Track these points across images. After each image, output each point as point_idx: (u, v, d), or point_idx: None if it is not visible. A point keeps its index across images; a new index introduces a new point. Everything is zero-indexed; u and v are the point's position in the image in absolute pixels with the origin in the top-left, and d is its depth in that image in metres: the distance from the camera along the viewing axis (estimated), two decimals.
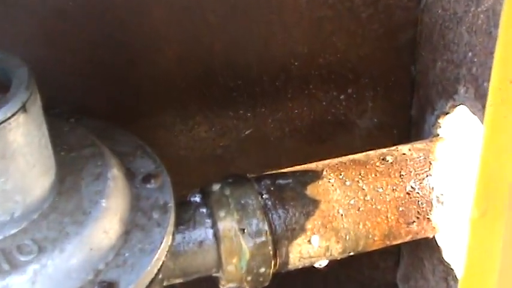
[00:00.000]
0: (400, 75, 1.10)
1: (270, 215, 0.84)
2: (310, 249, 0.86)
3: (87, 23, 0.90)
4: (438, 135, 1.01)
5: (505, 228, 0.64)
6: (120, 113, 0.97)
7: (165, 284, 0.80)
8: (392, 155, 0.92)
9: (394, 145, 0.95)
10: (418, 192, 0.89)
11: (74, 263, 0.66)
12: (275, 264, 0.85)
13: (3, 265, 0.64)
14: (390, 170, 0.90)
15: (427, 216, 0.90)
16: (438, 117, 1.01)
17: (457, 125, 0.98)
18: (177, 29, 0.95)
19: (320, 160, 0.92)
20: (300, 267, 0.89)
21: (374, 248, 0.90)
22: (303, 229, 0.85)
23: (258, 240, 0.82)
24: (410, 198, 0.89)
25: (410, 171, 0.90)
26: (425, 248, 1.10)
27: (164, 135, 1.03)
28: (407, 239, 0.92)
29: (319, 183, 0.87)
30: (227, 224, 0.82)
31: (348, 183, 0.88)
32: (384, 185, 0.88)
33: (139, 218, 0.74)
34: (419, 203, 0.89)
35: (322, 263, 0.89)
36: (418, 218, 0.89)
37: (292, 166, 0.91)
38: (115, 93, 0.98)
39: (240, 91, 1.03)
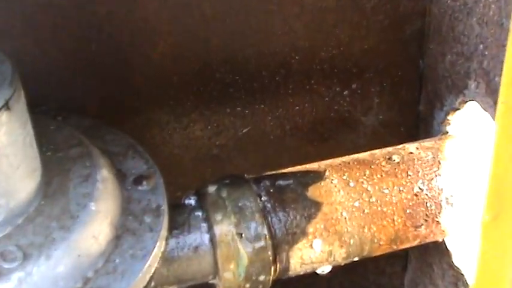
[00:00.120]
0: (407, 69, 1.10)
1: (270, 218, 0.84)
2: (312, 254, 0.86)
3: (75, 15, 0.90)
4: (447, 132, 1.01)
5: None
6: (110, 111, 0.97)
7: None
8: (399, 154, 0.91)
9: (400, 143, 0.94)
10: (426, 194, 0.89)
11: (61, 270, 0.66)
12: (275, 271, 0.85)
13: None
14: (397, 170, 0.90)
15: (436, 219, 0.90)
16: (447, 113, 1.00)
17: (467, 122, 0.98)
18: (171, 21, 0.95)
19: (322, 160, 0.92)
20: (302, 273, 0.88)
21: (380, 252, 0.90)
22: (304, 233, 0.84)
23: (257, 245, 0.82)
24: (418, 199, 0.89)
25: (418, 171, 0.90)
26: (434, 252, 1.10)
27: (157, 134, 1.03)
28: (415, 243, 0.91)
29: (322, 184, 0.87)
30: (224, 227, 0.81)
31: (351, 184, 0.87)
32: (390, 186, 0.88)
33: (131, 222, 0.74)
34: (428, 204, 0.89)
35: (324, 269, 0.89)
36: (426, 220, 0.89)
37: (292, 166, 0.91)
38: (105, 90, 0.97)
39: (237, 87, 1.02)
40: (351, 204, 0.86)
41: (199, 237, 0.81)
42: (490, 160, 0.61)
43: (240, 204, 0.83)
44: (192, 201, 0.85)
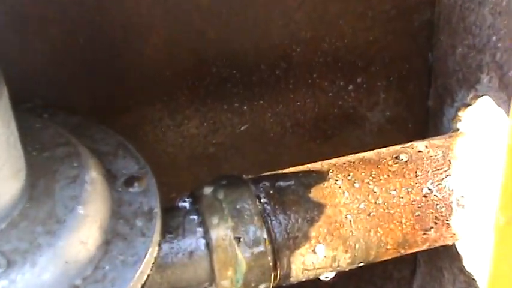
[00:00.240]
0: (416, 62, 1.10)
1: (269, 222, 0.83)
2: (315, 259, 0.85)
3: (63, 8, 0.90)
4: (458, 129, 1.01)
5: None
6: (100, 108, 0.97)
7: None
8: (406, 153, 0.91)
9: (409, 141, 0.94)
10: (436, 195, 0.89)
11: (47, 278, 0.65)
12: (275, 277, 0.84)
13: None
14: (405, 169, 0.89)
15: (447, 222, 0.89)
16: (458, 109, 1.00)
17: (479, 119, 0.97)
18: (164, 13, 0.94)
19: (325, 159, 0.92)
20: (304, 280, 0.88)
21: (386, 257, 0.90)
22: (306, 237, 0.84)
23: (256, 250, 0.82)
24: (428, 201, 0.89)
25: (428, 171, 0.90)
26: (445, 257, 1.10)
27: (150, 132, 1.03)
28: (424, 247, 0.91)
29: (325, 185, 0.87)
30: (221, 232, 0.81)
31: (356, 185, 0.87)
32: (397, 187, 0.88)
33: (121, 226, 0.73)
34: (438, 206, 0.89)
35: (328, 275, 0.89)
36: (436, 223, 0.89)
37: (294, 166, 0.91)
38: (94, 85, 0.97)
39: (235, 82, 1.02)
40: (356, 206, 0.86)
41: (194, 242, 0.81)
42: (504, 159, 0.61)
43: (237, 207, 0.82)
44: (186, 203, 0.84)
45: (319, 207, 0.85)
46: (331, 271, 0.88)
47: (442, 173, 0.90)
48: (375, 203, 0.87)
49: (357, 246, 0.86)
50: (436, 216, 0.89)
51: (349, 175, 0.88)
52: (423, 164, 0.90)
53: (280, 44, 1.01)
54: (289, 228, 0.84)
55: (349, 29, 1.03)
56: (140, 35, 0.95)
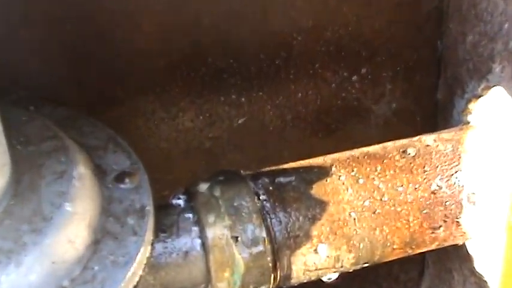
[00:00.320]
0: (424, 52, 1.10)
1: (269, 220, 0.83)
2: (317, 260, 0.85)
3: None
4: (469, 122, 1.01)
5: None
6: (89, 99, 0.97)
7: None
8: (414, 147, 0.91)
9: (416, 135, 0.94)
10: (445, 191, 0.89)
11: (33, 279, 0.65)
12: (275, 279, 0.84)
13: None
14: (412, 164, 0.89)
15: (456, 220, 0.90)
16: (469, 101, 1.00)
17: (491, 111, 0.97)
18: None
19: (328, 154, 0.91)
20: (305, 281, 0.88)
21: (393, 257, 0.90)
22: (308, 236, 0.84)
23: (255, 249, 0.81)
24: (436, 198, 0.89)
25: (436, 166, 0.90)
26: (454, 257, 1.10)
27: (142, 125, 1.03)
28: (433, 246, 0.91)
29: (327, 181, 0.87)
30: (217, 230, 0.81)
31: (361, 181, 0.87)
32: (404, 183, 0.88)
33: (112, 224, 0.73)
34: (447, 204, 0.89)
35: (331, 277, 0.89)
36: (445, 221, 0.89)
37: (294, 161, 0.90)
38: (83, 76, 0.97)
39: (232, 72, 1.02)
40: (360, 203, 0.86)
41: (189, 241, 0.81)
42: None
43: (235, 204, 0.82)
44: (181, 201, 0.84)
45: (322, 205, 0.85)
46: (334, 272, 0.88)
47: (451, 168, 0.90)
48: (381, 200, 0.87)
49: (361, 245, 0.86)
50: (445, 214, 0.89)
51: (353, 170, 0.88)
52: (432, 158, 0.90)
53: (280, 32, 1.01)
54: (289, 227, 0.84)
55: (353, 17, 1.03)
56: (131, 21, 0.95)
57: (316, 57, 1.04)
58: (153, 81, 1.00)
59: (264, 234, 0.82)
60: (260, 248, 0.82)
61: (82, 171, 0.74)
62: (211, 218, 0.81)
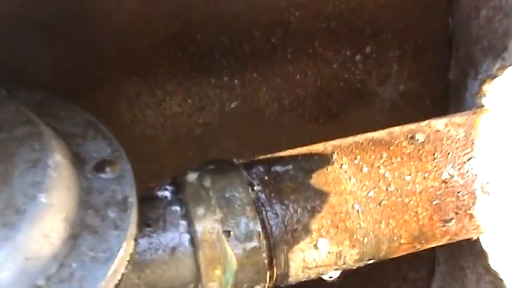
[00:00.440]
0: (434, 29, 1.10)
1: (264, 212, 0.83)
2: (317, 256, 0.85)
3: None
4: (483, 105, 1.01)
5: None
6: (66, 81, 0.96)
7: None
8: (423, 132, 0.91)
9: (425, 119, 0.94)
10: (457, 180, 0.89)
11: (4, 276, 0.65)
12: (271, 277, 0.84)
13: None
14: (421, 151, 0.90)
15: (469, 212, 0.90)
16: (483, 82, 1.00)
17: (507, 92, 0.97)
18: None
19: (329, 140, 0.91)
20: (304, 280, 0.88)
21: (400, 253, 0.90)
22: (307, 230, 0.84)
23: (249, 245, 0.82)
24: (447, 188, 0.89)
25: (447, 153, 0.90)
26: (468, 253, 1.11)
27: (125, 110, 1.03)
28: (444, 241, 0.91)
29: (328, 169, 0.87)
30: (207, 224, 0.81)
31: (365, 169, 0.87)
32: (412, 172, 0.88)
33: (91, 217, 0.73)
34: (459, 194, 0.89)
35: (332, 275, 0.89)
36: (457, 213, 0.89)
37: (292, 148, 0.90)
38: (59, 56, 0.96)
39: (224, 51, 1.02)
40: (364, 194, 0.86)
41: (176, 236, 0.81)
42: None
43: (227, 196, 0.82)
44: (167, 192, 0.84)
45: (322, 196, 0.85)
46: (336, 269, 0.88)
47: (464, 156, 0.90)
48: (387, 190, 0.87)
49: (365, 240, 0.86)
50: (457, 206, 0.89)
51: (356, 158, 0.88)
52: (442, 145, 0.90)
53: (276, 7, 1.01)
54: (287, 220, 0.84)
55: None
56: None
57: (316, 35, 1.04)
58: (137, 61, 1.00)
59: (258, 228, 0.82)
60: (254, 243, 0.82)
61: (58, 159, 0.74)
62: (200, 211, 0.81)
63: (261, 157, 0.89)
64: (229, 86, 1.05)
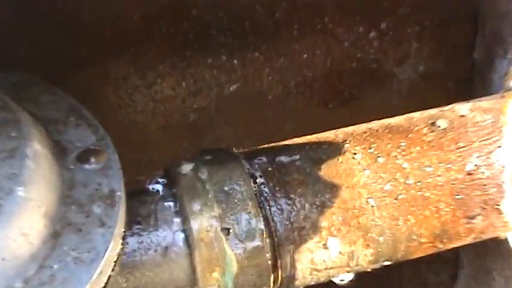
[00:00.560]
0: (457, 2, 1.10)
1: (268, 208, 0.83)
2: (327, 257, 0.86)
3: None
4: None
5: None
6: (47, 62, 0.96)
7: None
8: (446, 118, 0.91)
9: (448, 104, 0.94)
10: (483, 172, 0.89)
11: None
12: (275, 280, 0.85)
13: None
14: (443, 139, 0.90)
15: (497, 207, 0.90)
16: None
17: None
18: None
19: (340, 127, 0.92)
20: (313, 283, 0.88)
21: (420, 254, 0.90)
22: (316, 228, 0.84)
23: (250, 244, 0.82)
24: (473, 180, 0.89)
25: (473, 142, 0.90)
26: (495, 254, 1.11)
27: (112, 93, 1.03)
28: (468, 240, 0.92)
29: (339, 160, 0.87)
30: (204, 221, 0.81)
31: (381, 159, 0.87)
32: (434, 162, 0.88)
33: (74, 213, 0.73)
34: (485, 187, 0.89)
35: (344, 278, 0.89)
36: (483, 209, 0.89)
37: (299, 136, 0.91)
38: (39, 34, 0.97)
39: (221, 27, 1.02)
40: (380, 187, 0.86)
41: (170, 235, 0.81)
42: None
43: (226, 189, 0.83)
44: (159, 185, 0.84)
45: (333, 189, 0.85)
46: (348, 272, 0.88)
47: (491, 144, 0.90)
48: (405, 183, 0.87)
49: (381, 239, 0.86)
50: (483, 200, 0.89)
51: (370, 147, 0.88)
52: (467, 132, 0.90)
53: None
54: (293, 217, 0.84)
55: None
56: None
57: (325, 9, 1.04)
58: (125, 39, 1.00)
59: (261, 225, 0.82)
60: (257, 242, 0.82)
61: (37, 148, 0.74)
62: (196, 206, 0.81)
63: (264, 146, 0.89)
64: (228, 66, 1.05)
